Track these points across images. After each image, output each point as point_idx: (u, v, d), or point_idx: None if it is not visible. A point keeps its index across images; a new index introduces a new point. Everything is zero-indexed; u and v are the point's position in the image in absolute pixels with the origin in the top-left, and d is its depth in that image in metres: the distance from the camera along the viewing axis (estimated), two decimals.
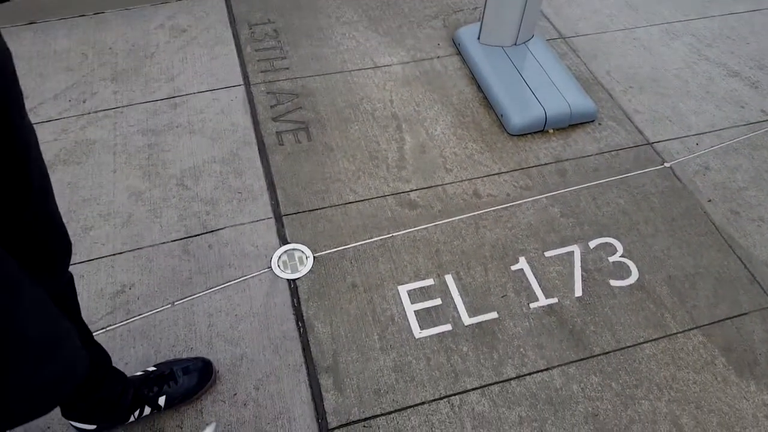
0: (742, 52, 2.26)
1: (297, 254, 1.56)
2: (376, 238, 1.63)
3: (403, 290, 1.52)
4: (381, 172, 1.81)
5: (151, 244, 1.59)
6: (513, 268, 1.58)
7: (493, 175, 1.82)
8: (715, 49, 2.26)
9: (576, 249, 1.62)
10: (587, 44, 2.27)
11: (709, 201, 1.75)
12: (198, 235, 1.61)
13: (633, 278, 1.56)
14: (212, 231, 1.62)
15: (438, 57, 2.21)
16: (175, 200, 1.69)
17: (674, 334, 1.45)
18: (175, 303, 1.47)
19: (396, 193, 1.75)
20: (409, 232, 1.65)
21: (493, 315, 1.48)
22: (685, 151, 1.89)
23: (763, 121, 2.00)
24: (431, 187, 1.78)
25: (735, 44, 2.29)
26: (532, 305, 1.50)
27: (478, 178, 1.80)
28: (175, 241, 1.60)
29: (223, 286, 1.50)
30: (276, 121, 1.94)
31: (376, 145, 1.89)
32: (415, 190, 1.76)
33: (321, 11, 2.39)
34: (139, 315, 1.44)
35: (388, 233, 1.64)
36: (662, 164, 1.85)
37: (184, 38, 2.24)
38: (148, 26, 2.29)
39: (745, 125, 1.98)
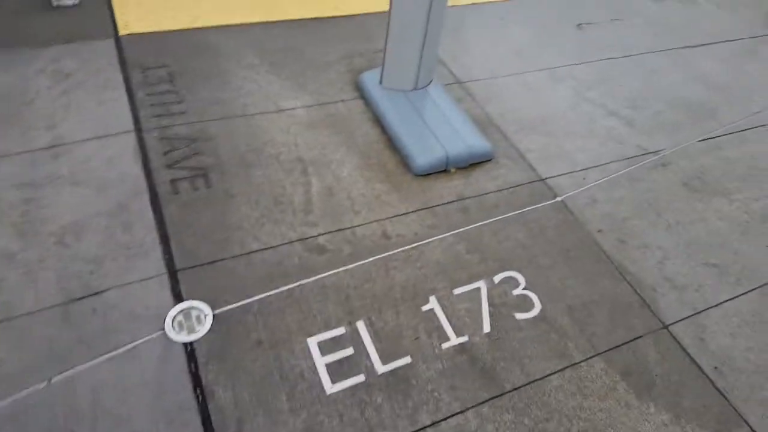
0: (618, 93, 2.49)
1: (194, 313, 1.45)
2: (282, 288, 1.56)
3: (312, 342, 1.45)
4: (287, 218, 1.75)
5: (25, 312, 1.41)
6: (424, 308, 1.57)
7: (401, 215, 1.83)
8: (594, 92, 2.48)
9: (482, 285, 1.66)
10: (482, 89, 2.40)
11: (599, 231, 1.87)
12: (80, 299, 1.45)
13: (536, 310, 1.61)
14: (96, 293, 1.47)
15: (342, 101, 2.23)
16: (53, 261, 1.52)
17: (578, 363, 1.50)
18: (53, 379, 1.29)
19: (303, 239, 1.70)
20: (319, 278, 1.60)
21: (407, 360, 1.45)
22: (574, 185, 2.02)
23: (640, 155, 2.20)
24: (340, 230, 1.75)
25: (611, 87, 2.52)
26: (444, 346, 1.49)
27: (387, 218, 1.81)
28: (52, 307, 1.42)
29: (109, 355, 1.35)
30: (171, 168, 1.84)
31: (281, 189, 1.84)
32: (324, 234, 1.73)
33: (220, 55, 2.34)
34: (9, 397, 1.25)
35: (296, 281, 1.58)
36: (554, 198, 1.96)
37: (68, 83, 2.08)
38: (27, 70, 2.11)
39: (624, 160, 2.16)
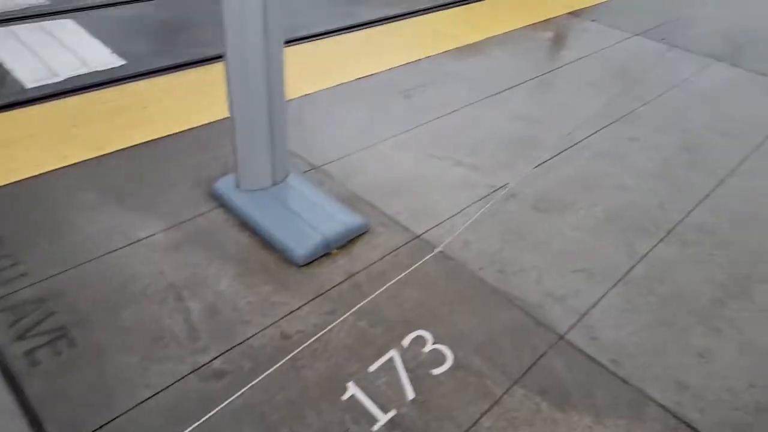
0: (456, 145, 2.82)
1: None
2: (189, 430, 1.44)
3: None
4: (172, 352, 1.65)
5: None
6: (344, 397, 1.56)
7: (295, 310, 1.82)
8: (437, 148, 2.77)
9: (394, 353, 1.70)
10: (339, 168, 2.56)
11: (480, 269, 2.05)
12: None
13: (450, 360, 1.69)
14: None
15: (201, 214, 2.22)
16: None
17: (500, 397, 1.59)
18: None
19: (197, 369, 1.61)
20: (225, 406, 1.51)
21: None
22: (446, 234, 2.21)
23: (491, 192, 2.48)
24: (234, 347, 1.69)
25: (449, 141, 2.85)
26: (375, 428, 1.49)
27: (281, 319, 1.79)
28: None
29: None
30: (23, 339, 1.64)
31: (157, 324, 1.74)
32: (218, 356, 1.65)
33: (54, 202, 2.20)
34: None
35: (201, 418, 1.47)
36: (434, 251, 2.12)
37: None
38: None
39: (480, 200, 2.43)
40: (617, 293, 2.00)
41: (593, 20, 4.61)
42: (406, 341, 1.74)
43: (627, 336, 1.83)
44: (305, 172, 2.51)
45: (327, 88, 3.24)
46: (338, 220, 2.14)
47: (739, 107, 3.42)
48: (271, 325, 1.77)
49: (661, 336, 1.85)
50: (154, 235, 2.09)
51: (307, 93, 3.18)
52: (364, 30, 4.10)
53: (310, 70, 3.45)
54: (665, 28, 4.53)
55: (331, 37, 3.94)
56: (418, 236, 2.19)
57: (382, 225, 2.24)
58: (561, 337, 1.80)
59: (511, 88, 3.43)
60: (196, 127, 2.77)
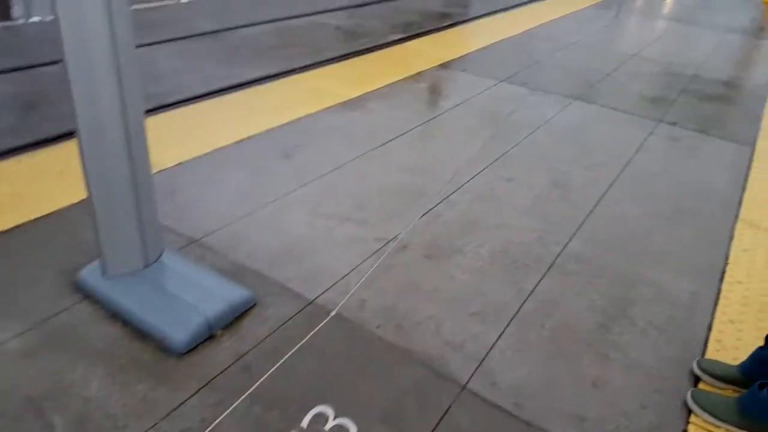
0: (343, 201, 2.84)
1: None
2: None
3: None
4: None
5: None
6: None
7: (178, 407, 1.67)
8: (324, 207, 2.78)
9: None
10: (220, 239, 2.46)
11: (378, 327, 2.04)
12: None
13: None
14: None
15: (65, 310, 2.00)
16: None
17: None
18: None
19: None
20: None
21: None
22: (340, 295, 2.18)
23: (383, 246, 2.51)
24: None
25: (335, 198, 2.87)
26: None
27: (162, 419, 1.63)
28: None
29: None
30: None
31: None
32: None
33: None
34: None
35: None
36: (329, 315, 2.08)
37: None
38: None
39: (372, 255, 2.44)
40: (511, 333, 2.08)
41: (463, 70, 4.99)
42: (305, 421, 1.66)
43: (525, 376, 1.89)
44: (182, 248, 2.38)
45: (204, 154, 3.15)
46: (221, 296, 2.03)
47: (598, 140, 3.82)
48: (151, 428, 1.60)
49: (556, 370, 1.93)
50: (6, 342, 1.84)
51: (182, 161, 3.06)
52: (242, 91, 4.09)
53: (184, 136, 3.34)
54: (526, 73, 5.02)
55: (207, 100, 3.88)
56: (312, 302, 2.14)
57: (271, 295, 2.16)
58: (463, 388, 1.81)
59: (394, 139, 3.56)
60: (56, 210, 2.54)
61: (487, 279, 2.36)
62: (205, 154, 3.15)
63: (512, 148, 3.58)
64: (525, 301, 2.25)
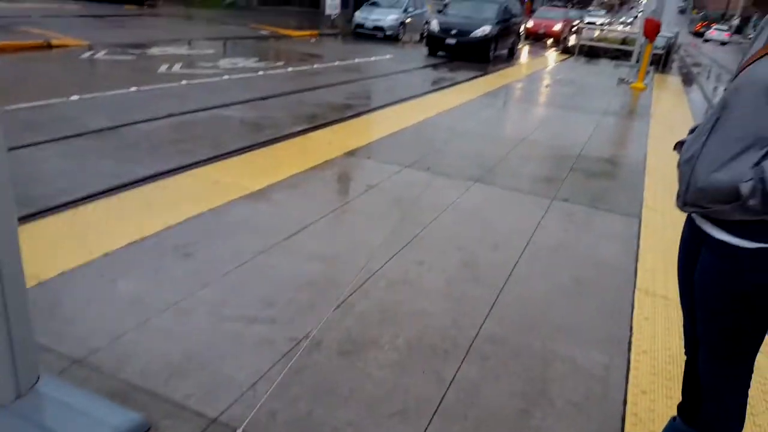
0: (249, 300, 2.71)
1: None
2: None
3: None
4: None
5: None
6: None
7: None
8: (229, 308, 2.62)
9: None
10: (108, 357, 2.21)
11: None
12: None
13: None
14: None
15: None
16: None
17: None
18: None
19: None
20: None
21: None
22: (247, 409, 2.01)
23: (294, 346, 2.39)
24: None
25: (240, 297, 2.73)
26: None
27: None
28: None
29: None
30: None
31: None
32: None
33: None
34: None
35: None
36: None
37: None
38: None
39: (282, 358, 2.31)
40: (435, 429, 2.00)
41: (368, 158, 5.17)
42: None
43: None
44: (64, 370, 2.11)
45: (92, 261, 2.91)
46: (108, 425, 1.79)
47: (501, 220, 4.03)
48: None
49: None
50: None
51: (66, 270, 2.80)
52: (137, 188, 3.92)
53: (69, 241, 3.09)
54: (428, 159, 5.28)
55: (98, 200, 3.65)
56: (214, 420, 1.94)
57: (168, 417, 1.94)
58: None
59: (302, 230, 3.52)
60: None
61: (405, 372, 2.29)
62: (94, 260, 2.91)
63: (421, 231, 3.67)
64: (446, 391, 2.20)
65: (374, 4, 18.30)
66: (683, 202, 1.50)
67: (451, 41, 13.81)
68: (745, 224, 1.37)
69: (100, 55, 9.33)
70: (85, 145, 4.88)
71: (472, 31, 13.70)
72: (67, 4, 16.14)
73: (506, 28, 14.85)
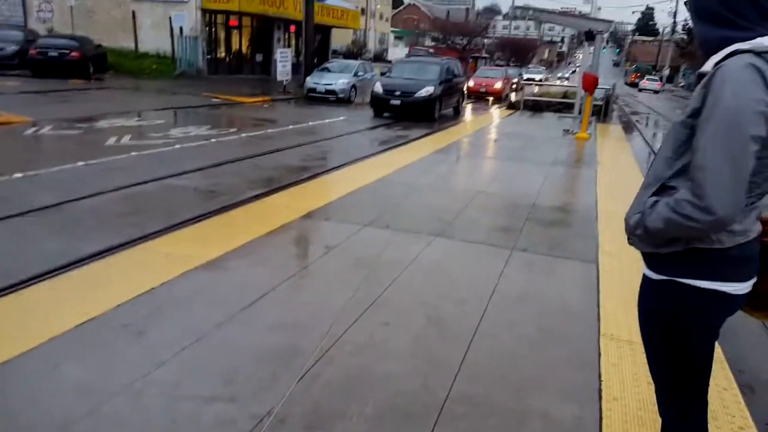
0: (206, 379, 2.58)
1: None
2: None
3: None
4: None
5: None
6: None
7: None
8: (184, 388, 2.49)
9: None
10: None
11: None
12: None
13: None
14: None
15: None
16: None
17: None
18: None
19: None
20: None
21: None
22: None
23: (256, 425, 2.27)
24: None
25: (198, 374, 2.60)
26: None
27: None
28: None
29: None
30: None
31: None
32: None
33: None
34: None
35: None
36: None
37: None
38: None
39: None
40: None
41: (326, 219, 5.17)
42: None
43: None
44: None
45: (34, 348, 2.73)
46: None
47: (463, 273, 4.06)
48: None
49: None
50: None
51: (8, 359, 2.62)
52: (85, 266, 3.76)
53: (9, 329, 2.90)
54: (387, 216, 5.33)
55: (43, 282, 3.48)
56: None
57: None
58: None
59: (261, 297, 3.44)
60: None
61: None
62: (37, 347, 2.74)
63: (384, 290, 3.64)
64: None
65: (325, 69, 18.92)
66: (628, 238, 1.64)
67: (396, 102, 14.02)
68: (650, 256, 1.55)
69: (45, 130, 9.16)
70: (29, 224, 4.70)
71: (416, 92, 13.96)
72: (9, 80, 15.95)
73: (449, 87, 15.18)
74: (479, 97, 22.46)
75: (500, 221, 5.50)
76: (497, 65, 39.24)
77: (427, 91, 13.99)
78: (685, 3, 1.57)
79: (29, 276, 3.53)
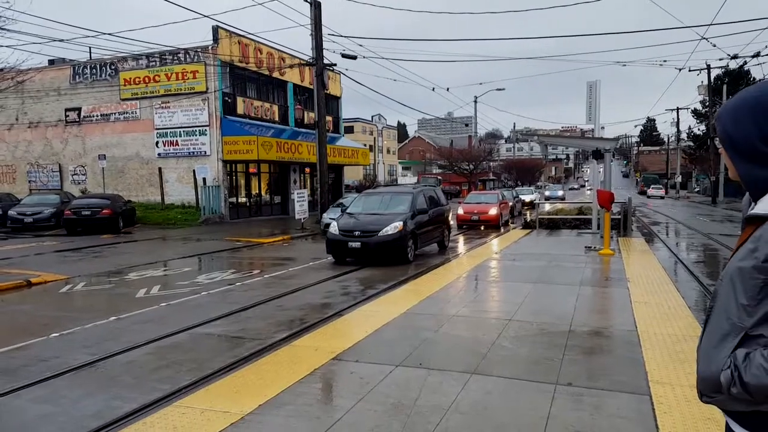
0: None
1: None
2: None
3: None
4: None
5: None
6: None
7: None
8: None
9: None
10: None
11: None
12: None
13: None
14: None
15: None
16: None
17: None
18: None
19: None
20: None
21: None
22: None
23: None
24: None
25: None
26: None
27: None
28: None
29: None
30: None
31: None
32: None
33: None
34: None
35: None
36: None
37: None
38: None
39: None
40: None
41: (356, 361, 5.05)
42: None
43: None
44: None
45: None
46: None
47: (508, 417, 3.84)
48: None
49: None
50: None
51: None
52: (122, 428, 3.68)
53: None
54: (418, 353, 5.21)
55: None
56: None
57: None
58: None
59: None
60: None
61: None
62: None
63: None
64: None
65: (340, 204, 19.71)
66: (699, 392, 1.50)
67: (356, 244, 11.34)
68: (748, 416, 1.37)
69: (79, 287, 9.47)
70: (66, 385, 4.69)
71: (380, 230, 11.32)
72: (46, 240, 16.84)
73: (428, 220, 12.78)
74: (471, 226, 19.89)
75: (537, 352, 5.27)
76: (504, 185, 38.90)
77: (395, 227, 11.34)
78: (717, 139, 1.50)
79: None
